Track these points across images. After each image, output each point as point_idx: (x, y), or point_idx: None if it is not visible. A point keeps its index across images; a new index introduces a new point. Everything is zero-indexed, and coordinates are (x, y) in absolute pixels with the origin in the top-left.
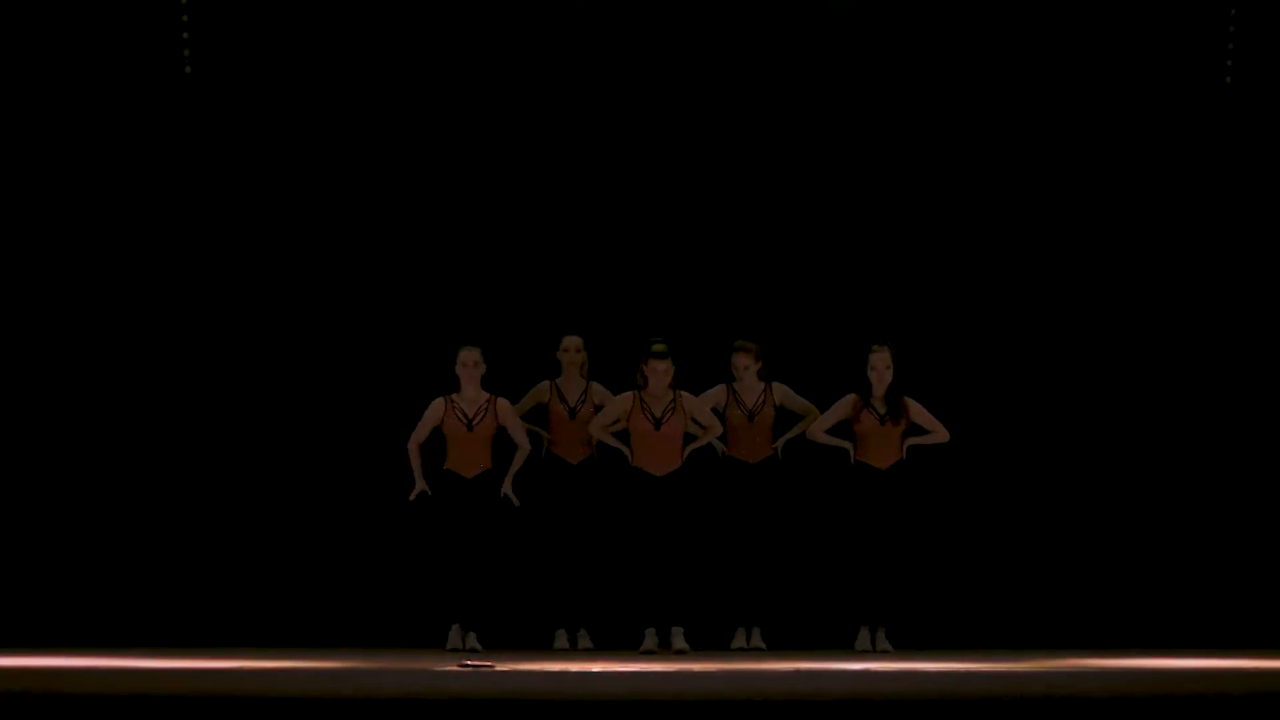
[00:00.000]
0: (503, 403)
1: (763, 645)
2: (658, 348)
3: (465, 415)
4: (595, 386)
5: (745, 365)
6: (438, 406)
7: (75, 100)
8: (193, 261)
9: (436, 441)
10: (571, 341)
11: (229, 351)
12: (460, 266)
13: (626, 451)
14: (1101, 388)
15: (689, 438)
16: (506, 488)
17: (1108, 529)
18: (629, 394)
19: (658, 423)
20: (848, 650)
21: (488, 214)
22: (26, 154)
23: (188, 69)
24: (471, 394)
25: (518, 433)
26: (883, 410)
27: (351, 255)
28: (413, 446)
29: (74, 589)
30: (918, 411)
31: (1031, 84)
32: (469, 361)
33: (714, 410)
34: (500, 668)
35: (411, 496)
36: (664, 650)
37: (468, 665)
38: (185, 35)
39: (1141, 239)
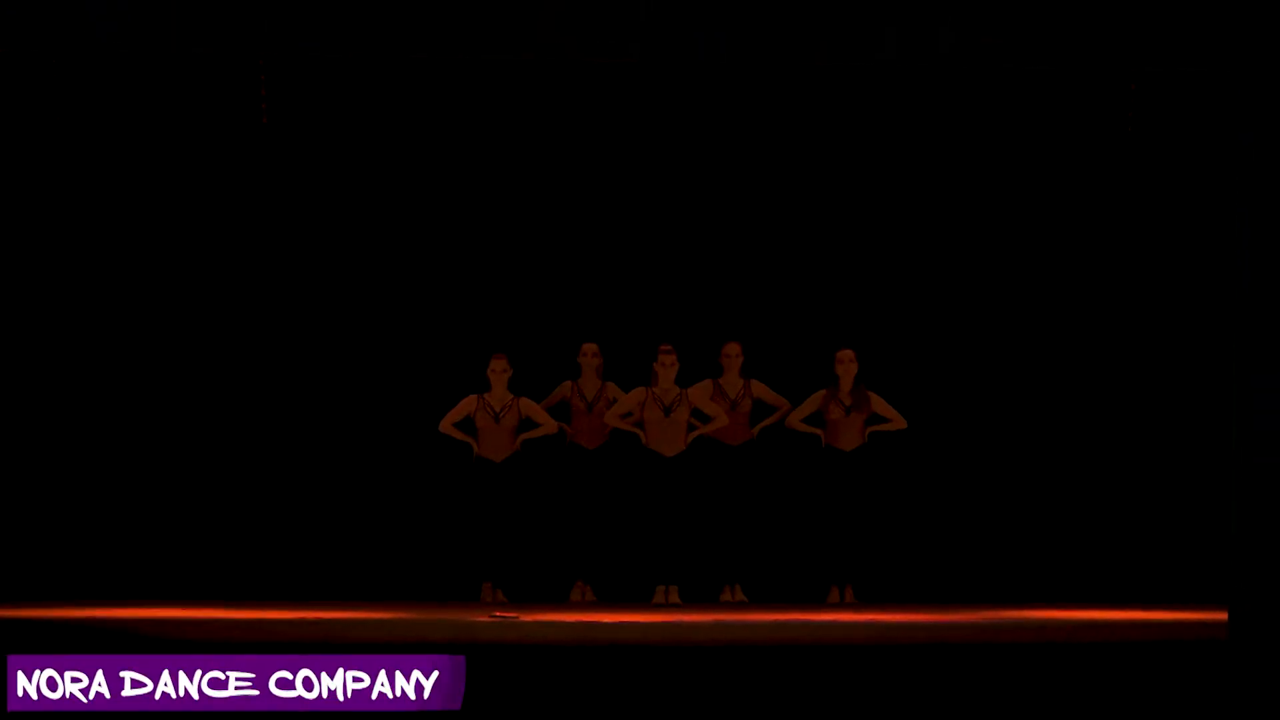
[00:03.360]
0: (525, 400)
1: (745, 599)
2: (666, 351)
3: (493, 410)
4: (610, 385)
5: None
6: (470, 401)
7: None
8: (268, 272)
9: (469, 434)
10: (589, 347)
11: (314, 356)
12: (503, 285)
13: (640, 435)
14: (1023, 387)
15: (690, 426)
16: (525, 436)
17: (1032, 499)
18: (641, 389)
19: (667, 410)
20: (821, 604)
21: (524, 243)
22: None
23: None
24: (500, 393)
25: (542, 415)
26: (848, 403)
27: (418, 281)
28: (445, 426)
29: (155, 546)
30: (878, 403)
31: (968, 140)
32: (498, 368)
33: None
34: (524, 617)
35: (475, 454)
36: (666, 603)
37: (497, 615)
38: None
39: (1061, 264)
